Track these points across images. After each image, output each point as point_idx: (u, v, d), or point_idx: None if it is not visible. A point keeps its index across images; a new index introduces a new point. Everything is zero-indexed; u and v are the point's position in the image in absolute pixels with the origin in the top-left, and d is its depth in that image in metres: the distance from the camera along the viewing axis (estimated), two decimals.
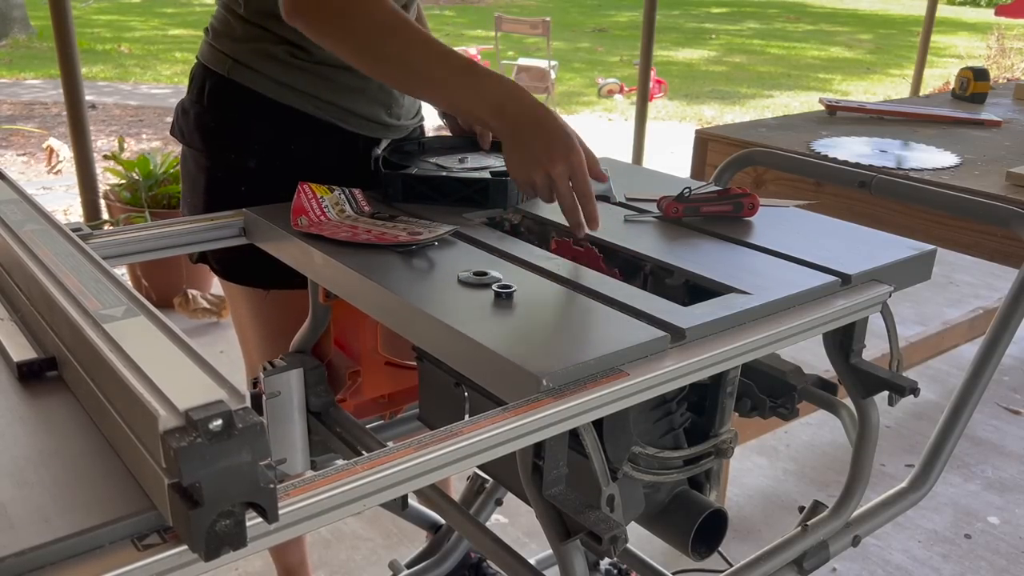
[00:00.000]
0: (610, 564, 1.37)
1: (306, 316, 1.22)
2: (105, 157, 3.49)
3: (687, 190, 1.20)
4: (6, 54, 9.22)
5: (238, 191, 1.29)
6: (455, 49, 1.11)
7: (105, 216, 3.22)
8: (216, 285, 3.47)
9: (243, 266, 1.36)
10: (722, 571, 1.08)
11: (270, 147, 1.30)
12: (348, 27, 1.09)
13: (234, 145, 1.31)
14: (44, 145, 3.89)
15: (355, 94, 1.31)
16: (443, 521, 1.50)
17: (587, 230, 1.07)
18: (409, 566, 1.49)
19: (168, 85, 8.06)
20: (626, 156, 4.43)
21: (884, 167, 1.83)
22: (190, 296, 3.20)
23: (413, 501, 1.48)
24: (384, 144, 1.37)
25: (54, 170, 3.69)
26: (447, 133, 1.47)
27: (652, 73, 5.25)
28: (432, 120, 1.60)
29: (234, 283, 1.39)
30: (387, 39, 1.08)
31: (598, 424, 0.85)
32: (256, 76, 1.28)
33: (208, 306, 3.22)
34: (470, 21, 14.50)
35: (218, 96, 1.31)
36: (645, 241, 1.12)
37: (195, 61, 1.36)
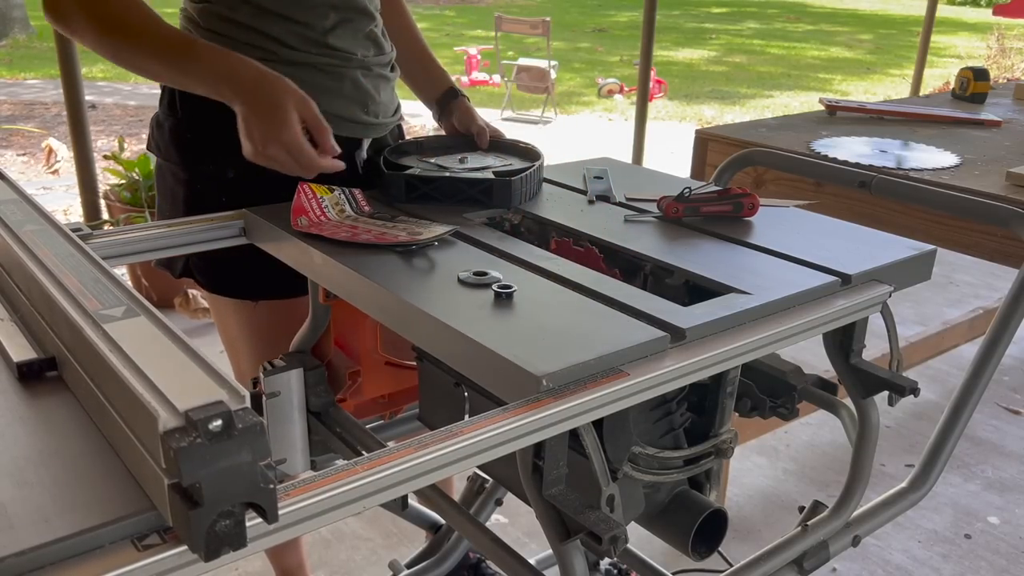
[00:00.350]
0: (610, 564, 1.37)
1: (297, 324, 1.22)
2: (105, 157, 3.48)
3: (687, 190, 1.20)
4: (6, 54, 9.22)
5: (219, 201, 1.26)
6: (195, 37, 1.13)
7: (105, 216, 3.22)
8: None
9: (230, 278, 1.34)
10: (722, 571, 1.08)
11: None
12: (85, 23, 1.11)
13: (211, 156, 1.28)
14: (43, 144, 3.87)
15: (329, 94, 1.28)
16: (443, 521, 1.50)
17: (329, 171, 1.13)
18: (409, 566, 1.49)
19: None
20: (626, 156, 4.43)
21: (884, 167, 1.83)
22: (190, 296, 3.20)
23: (413, 501, 1.48)
24: (367, 144, 1.37)
25: (52, 170, 3.67)
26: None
27: (652, 73, 5.25)
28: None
29: (221, 296, 1.38)
30: (120, 32, 1.11)
31: (598, 424, 0.85)
32: None
33: (208, 306, 3.22)
34: (470, 21, 14.50)
35: (191, 106, 1.27)
36: (645, 241, 1.12)
37: None
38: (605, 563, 1.36)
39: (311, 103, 1.09)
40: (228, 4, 1.23)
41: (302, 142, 1.08)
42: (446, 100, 1.46)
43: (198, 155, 1.30)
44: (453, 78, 1.53)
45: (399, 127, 1.50)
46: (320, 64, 1.28)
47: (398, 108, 1.46)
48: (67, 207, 4.39)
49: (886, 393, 1.09)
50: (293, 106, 1.07)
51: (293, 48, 1.26)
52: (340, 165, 1.15)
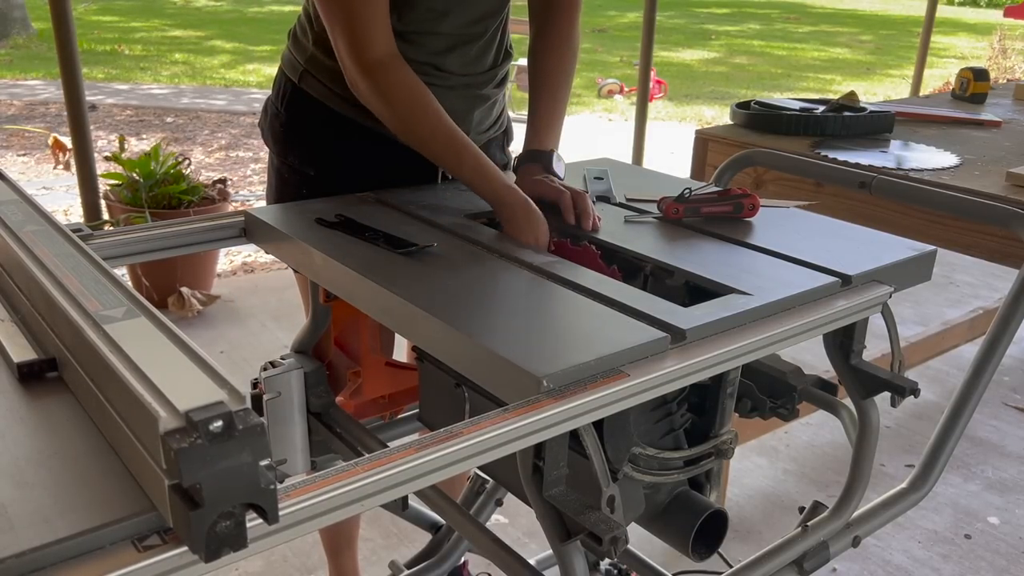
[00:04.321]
0: (610, 564, 1.37)
1: None
2: (106, 158, 3.48)
3: (687, 191, 1.20)
4: (6, 54, 9.22)
5: (300, 193, 1.35)
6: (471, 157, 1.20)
7: (105, 216, 3.22)
8: (216, 284, 3.48)
9: None
10: (722, 572, 1.08)
11: (329, 157, 1.35)
12: (380, 108, 1.20)
13: (298, 152, 1.37)
14: (50, 139, 3.83)
15: None
16: (443, 521, 1.50)
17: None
18: (409, 566, 1.49)
19: (168, 85, 8.06)
20: (626, 156, 4.43)
21: (884, 167, 1.83)
22: (184, 295, 3.21)
23: (413, 501, 1.48)
24: None
25: (63, 164, 3.62)
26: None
27: (652, 73, 5.25)
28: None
29: None
30: (408, 132, 1.21)
31: (598, 425, 0.85)
32: (322, 87, 1.33)
33: (200, 306, 3.24)
34: None
35: (290, 102, 1.36)
36: (645, 242, 1.12)
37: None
38: (605, 563, 1.36)
39: (542, 233, 1.13)
40: None
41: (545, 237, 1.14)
42: (519, 161, 1.35)
43: (287, 149, 1.38)
44: None
45: (504, 135, 1.50)
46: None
47: (493, 125, 1.45)
48: (67, 207, 4.39)
49: (887, 393, 1.09)
50: (531, 237, 1.13)
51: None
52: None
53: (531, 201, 1.15)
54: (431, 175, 1.37)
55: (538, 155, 1.31)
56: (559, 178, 1.27)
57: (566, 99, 1.40)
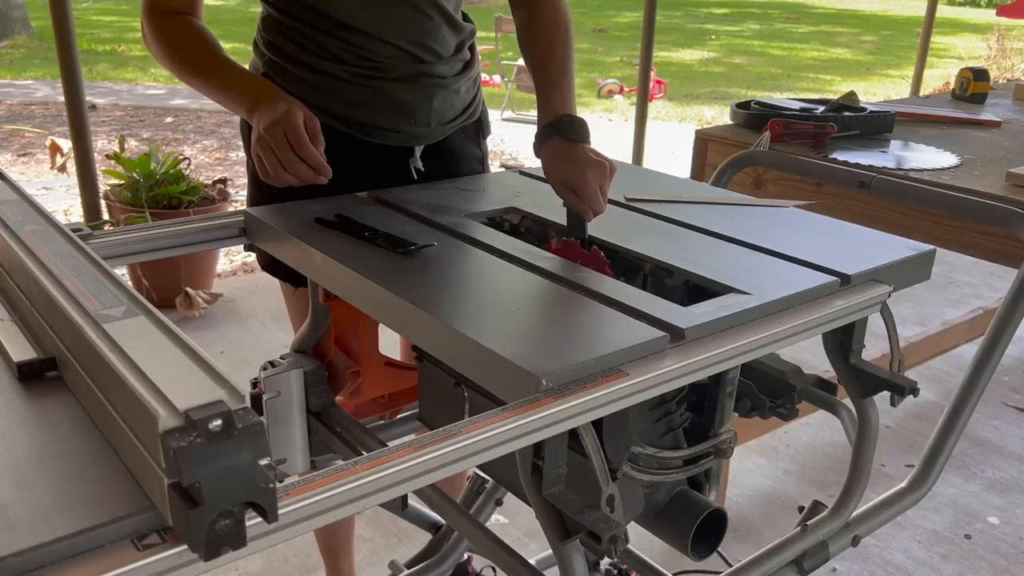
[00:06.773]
0: (610, 564, 1.37)
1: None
2: (107, 157, 3.49)
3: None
4: (6, 54, 9.22)
5: (275, 194, 1.30)
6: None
7: (105, 216, 3.22)
8: (217, 284, 3.48)
9: (276, 260, 1.37)
10: (722, 572, 1.08)
11: None
12: (163, 54, 1.26)
13: None
14: (47, 142, 3.84)
15: (371, 108, 1.31)
16: (443, 521, 1.50)
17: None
18: (409, 566, 1.49)
19: (167, 85, 8.06)
20: (626, 156, 4.43)
21: (884, 167, 1.83)
22: (191, 295, 3.22)
23: (413, 501, 1.48)
24: (419, 151, 1.36)
25: (59, 166, 3.64)
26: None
27: (652, 73, 5.25)
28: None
29: (272, 275, 1.43)
30: (189, 70, 1.26)
31: (598, 424, 0.85)
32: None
33: (205, 305, 3.24)
34: None
35: None
36: (645, 241, 1.12)
37: None
38: (605, 563, 1.36)
39: (314, 117, 1.14)
40: (288, 13, 1.29)
41: (299, 124, 1.11)
42: (541, 138, 1.24)
43: None
44: None
45: (477, 125, 1.47)
46: (352, 78, 1.29)
47: (463, 110, 1.42)
48: (67, 207, 4.39)
49: (887, 393, 1.09)
50: (299, 109, 1.13)
51: (333, 61, 1.28)
52: (327, 170, 1.14)
53: (291, 101, 1.15)
54: (407, 178, 1.36)
55: (557, 125, 1.23)
56: (586, 142, 1.20)
57: (569, 65, 1.31)
